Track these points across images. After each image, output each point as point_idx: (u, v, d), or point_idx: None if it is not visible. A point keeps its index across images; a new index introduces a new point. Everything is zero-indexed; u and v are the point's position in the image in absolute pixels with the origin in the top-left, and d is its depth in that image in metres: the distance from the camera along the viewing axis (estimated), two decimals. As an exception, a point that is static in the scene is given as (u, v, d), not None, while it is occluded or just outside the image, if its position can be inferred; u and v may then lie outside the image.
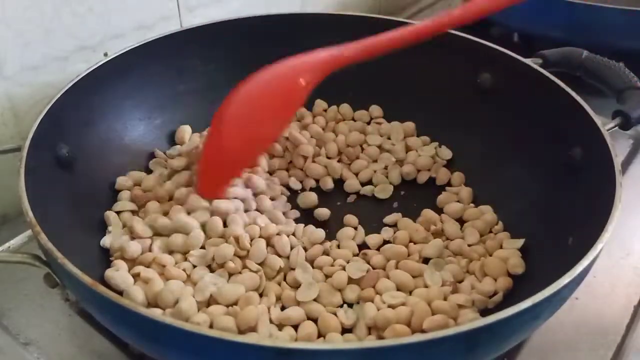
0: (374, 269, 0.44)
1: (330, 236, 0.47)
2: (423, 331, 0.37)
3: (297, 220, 0.49)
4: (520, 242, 0.45)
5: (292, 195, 0.52)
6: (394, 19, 0.58)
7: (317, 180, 0.54)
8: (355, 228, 0.49)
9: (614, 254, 0.49)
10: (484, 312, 0.40)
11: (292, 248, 0.45)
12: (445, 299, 0.40)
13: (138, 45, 0.52)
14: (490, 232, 0.47)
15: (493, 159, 0.52)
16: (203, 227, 0.44)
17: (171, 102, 0.55)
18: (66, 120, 0.45)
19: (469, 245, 0.46)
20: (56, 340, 0.42)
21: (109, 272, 0.41)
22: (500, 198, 0.49)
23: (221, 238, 0.44)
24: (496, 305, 0.41)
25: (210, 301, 0.40)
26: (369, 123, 0.58)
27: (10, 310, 0.44)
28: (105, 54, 0.55)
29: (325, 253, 0.45)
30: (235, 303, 0.40)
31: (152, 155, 0.53)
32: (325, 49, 0.45)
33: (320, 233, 0.47)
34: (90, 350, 0.42)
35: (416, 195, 0.53)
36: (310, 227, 0.48)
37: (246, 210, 0.47)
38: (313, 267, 0.44)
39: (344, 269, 0.43)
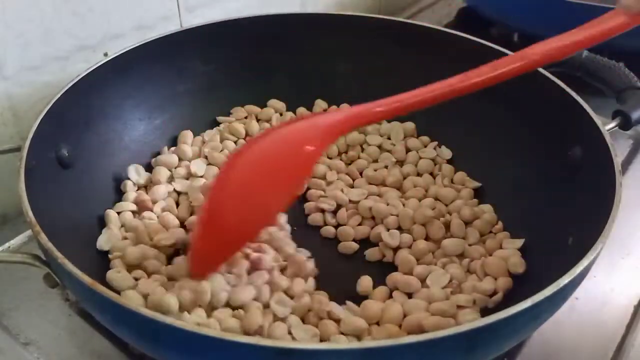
0: None
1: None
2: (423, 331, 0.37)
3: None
4: (520, 242, 0.45)
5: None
6: (394, 19, 0.58)
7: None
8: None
9: (614, 254, 0.49)
10: (484, 312, 0.40)
11: None
12: (446, 299, 0.40)
13: (138, 45, 0.51)
14: (490, 232, 0.47)
15: (493, 159, 0.52)
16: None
17: (171, 102, 0.55)
18: (66, 120, 0.45)
19: (470, 245, 0.46)
20: (56, 340, 0.42)
21: (110, 274, 0.41)
22: (500, 198, 0.49)
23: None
24: (496, 305, 0.41)
25: None
26: (368, 123, 0.58)
27: (10, 310, 0.44)
28: (105, 54, 0.55)
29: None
30: None
31: (152, 155, 0.53)
32: (338, 111, 0.41)
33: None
34: (90, 350, 0.41)
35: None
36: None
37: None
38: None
39: None
